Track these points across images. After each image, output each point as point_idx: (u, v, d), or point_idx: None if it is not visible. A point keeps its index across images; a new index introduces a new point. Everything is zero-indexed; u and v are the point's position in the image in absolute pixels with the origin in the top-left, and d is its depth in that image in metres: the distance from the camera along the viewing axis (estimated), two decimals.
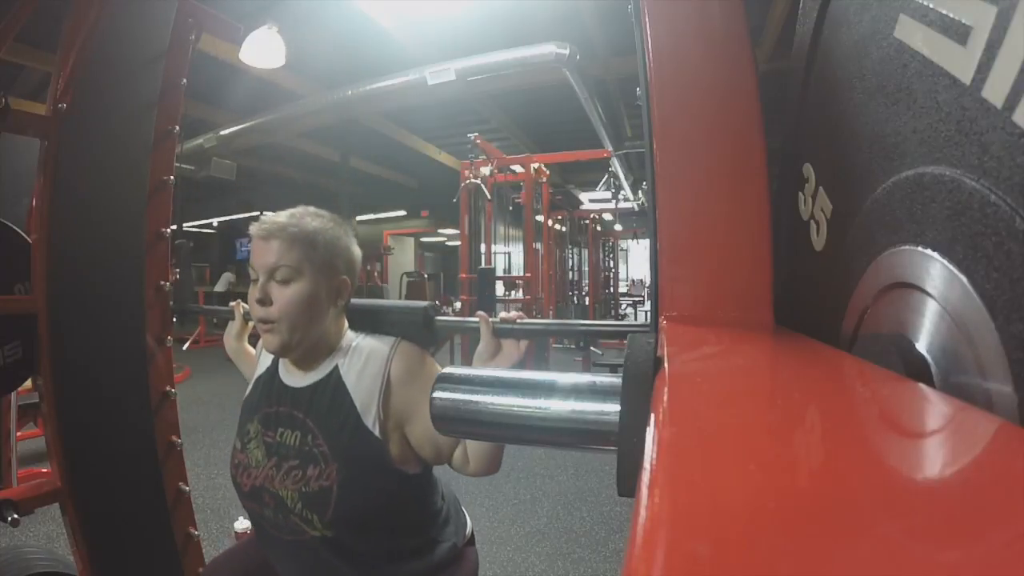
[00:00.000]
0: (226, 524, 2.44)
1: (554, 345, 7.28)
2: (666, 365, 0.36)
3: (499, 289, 6.05)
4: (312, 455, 0.84)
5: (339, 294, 0.90)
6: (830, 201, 0.63)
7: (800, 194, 0.72)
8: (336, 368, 0.89)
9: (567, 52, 3.86)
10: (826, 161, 0.66)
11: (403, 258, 14.66)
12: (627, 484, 0.37)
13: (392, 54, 4.64)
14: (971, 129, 0.37)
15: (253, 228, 0.87)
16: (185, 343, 7.89)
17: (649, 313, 0.65)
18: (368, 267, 10.77)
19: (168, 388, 1.23)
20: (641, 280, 16.99)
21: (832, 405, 0.32)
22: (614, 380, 0.43)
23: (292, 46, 3.76)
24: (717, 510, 0.17)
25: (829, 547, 0.15)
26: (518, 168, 6.23)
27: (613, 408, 0.42)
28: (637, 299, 14.48)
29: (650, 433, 0.25)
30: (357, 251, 0.94)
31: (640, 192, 9.29)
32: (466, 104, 6.34)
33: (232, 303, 1.21)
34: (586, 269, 11.27)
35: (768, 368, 0.43)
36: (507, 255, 7.44)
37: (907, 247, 0.45)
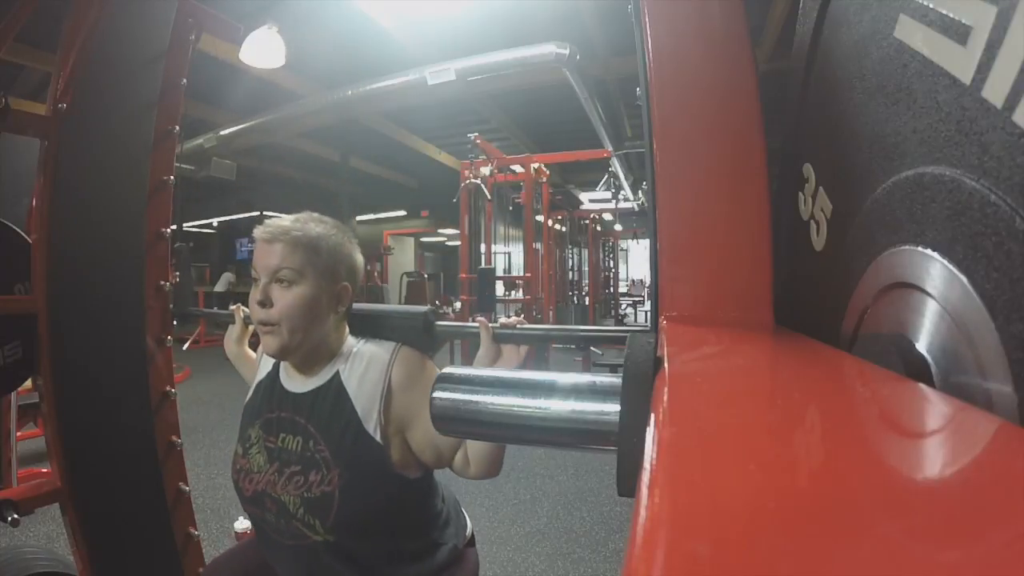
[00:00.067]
0: (226, 524, 2.44)
1: (554, 345, 7.27)
2: (666, 365, 0.36)
3: (499, 289, 6.05)
4: (314, 460, 0.84)
5: (340, 300, 0.90)
6: (830, 201, 0.63)
7: (800, 194, 0.72)
8: (337, 374, 0.89)
9: (567, 52, 3.86)
10: (826, 161, 0.66)
11: (403, 258, 14.67)
12: (627, 484, 0.37)
13: (392, 54, 4.64)
14: (971, 129, 0.37)
15: (257, 231, 0.87)
16: (185, 343, 7.88)
17: (649, 313, 0.65)
18: (368, 267, 10.76)
19: (168, 388, 1.23)
20: (641, 280, 16.99)
21: (832, 405, 0.32)
22: (614, 380, 0.43)
23: (292, 46, 3.76)
24: (717, 510, 0.17)
25: (829, 547, 0.15)
26: (518, 168, 6.23)
27: (613, 408, 0.42)
28: (637, 299, 14.48)
29: (650, 433, 0.25)
30: (359, 259, 0.95)
31: (640, 192, 9.29)
32: (466, 104, 6.35)
33: (232, 307, 1.21)
34: (586, 269, 11.28)
35: (768, 368, 0.43)
36: (507, 255, 7.44)
37: (907, 247, 0.45)
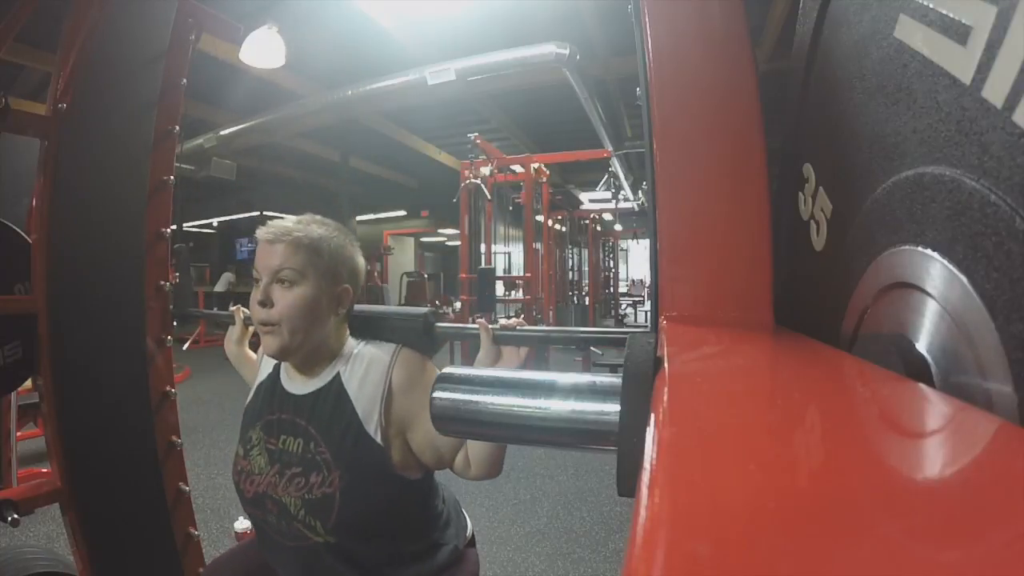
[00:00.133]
0: (226, 524, 2.44)
1: (554, 345, 7.26)
2: (666, 365, 0.36)
3: (499, 289, 6.06)
4: (315, 462, 0.85)
5: (340, 302, 0.90)
6: (830, 201, 0.63)
7: (800, 194, 0.72)
8: (338, 375, 0.89)
9: (567, 52, 3.86)
10: (826, 161, 0.66)
11: (403, 258, 14.67)
12: (627, 484, 0.37)
13: (392, 54, 4.64)
14: (971, 129, 0.37)
15: (260, 231, 0.87)
16: (185, 343, 7.88)
17: (649, 313, 0.65)
18: (368, 267, 10.71)
19: (168, 388, 1.23)
20: (641, 280, 16.99)
21: (832, 405, 0.32)
22: (614, 380, 0.43)
23: (292, 46, 3.76)
24: (717, 510, 0.17)
25: (829, 547, 0.15)
26: (518, 168, 6.24)
27: (613, 408, 0.42)
28: (637, 299, 14.48)
29: (650, 433, 0.25)
30: (361, 261, 0.95)
31: (640, 192, 9.29)
32: (466, 104, 6.35)
33: (232, 308, 1.21)
34: (586, 269, 11.28)
35: (768, 368, 0.43)
36: (507, 255, 7.44)
37: (907, 247, 0.45)
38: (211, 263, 12.82)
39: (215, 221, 13.00)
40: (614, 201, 7.79)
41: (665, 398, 0.30)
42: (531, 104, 6.64)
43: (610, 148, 6.19)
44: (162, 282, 1.23)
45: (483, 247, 6.01)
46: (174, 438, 1.24)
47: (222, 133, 6.23)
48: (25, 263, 1.06)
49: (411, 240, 15.53)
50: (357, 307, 0.97)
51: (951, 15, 0.38)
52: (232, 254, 12.85)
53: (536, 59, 3.93)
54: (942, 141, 0.40)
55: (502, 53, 4.07)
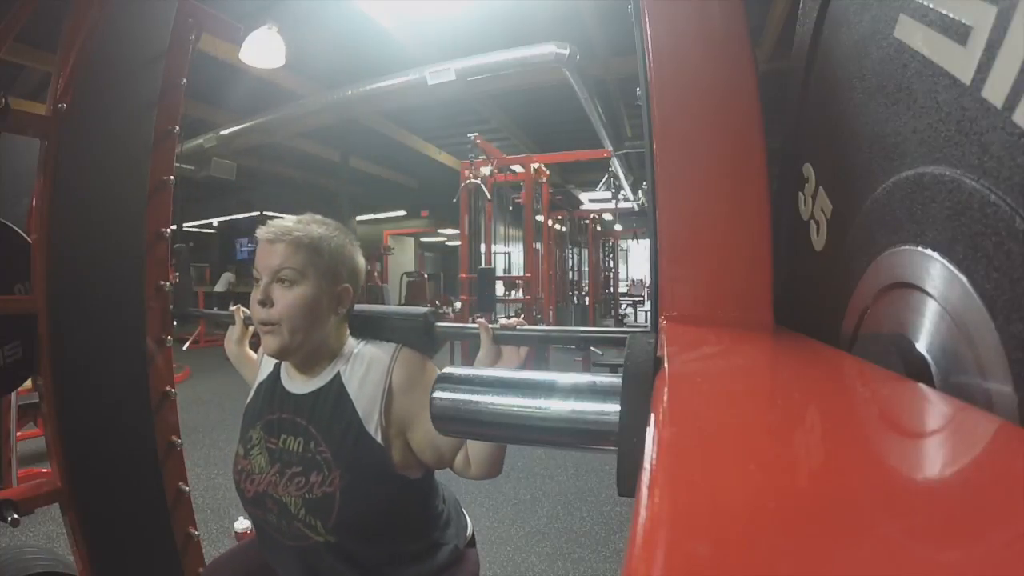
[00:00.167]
0: (226, 524, 2.44)
1: (554, 345, 7.26)
2: (666, 365, 0.36)
3: (499, 289, 6.05)
4: (315, 462, 0.85)
5: (341, 302, 0.90)
6: (830, 201, 0.63)
7: (800, 194, 0.72)
8: (338, 375, 0.89)
9: (567, 52, 3.86)
10: (826, 161, 0.66)
11: (403, 258, 14.67)
12: (627, 484, 0.37)
13: (392, 54, 4.64)
14: (971, 129, 0.37)
15: (260, 231, 0.88)
16: (185, 343, 7.89)
17: (649, 313, 0.65)
18: (368, 267, 10.71)
19: (168, 388, 1.23)
20: (641, 280, 16.99)
21: (832, 405, 0.32)
22: (614, 380, 0.43)
23: (292, 46, 3.76)
24: (717, 510, 0.17)
25: (829, 547, 0.15)
26: (518, 168, 6.23)
27: (613, 408, 0.42)
28: (637, 299, 14.49)
29: (650, 433, 0.25)
30: (361, 261, 0.95)
31: (640, 192, 9.29)
32: (466, 104, 6.35)
33: (232, 307, 1.21)
34: (586, 269, 11.28)
35: (768, 368, 0.43)
36: (507, 255, 7.44)
37: (907, 247, 0.45)
38: (211, 263, 12.82)
39: (215, 221, 13.00)
40: (614, 201, 7.79)
41: (665, 398, 0.30)
42: (531, 104, 6.64)
43: (610, 148, 6.19)
44: (162, 282, 1.23)
45: (483, 247, 6.01)
46: (174, 438, 1.24)
47: (222, 133, 6.23)
48: (25, 263, 1.06)
49: (411, 240, 15.53)
50: (357, 307, 0.97)
51: (951, 15, 0.38)
52: (232, 254, 12.85)
53: (536, 59, 3.93)
54: (942, 141, 0.40)
55: (502, 53, 4.07)
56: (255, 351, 1.11)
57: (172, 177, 1.24)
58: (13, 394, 1.82)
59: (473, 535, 1.07)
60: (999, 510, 0.18)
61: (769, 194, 0.54)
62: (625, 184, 8.22)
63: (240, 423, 0.98)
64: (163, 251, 1.23)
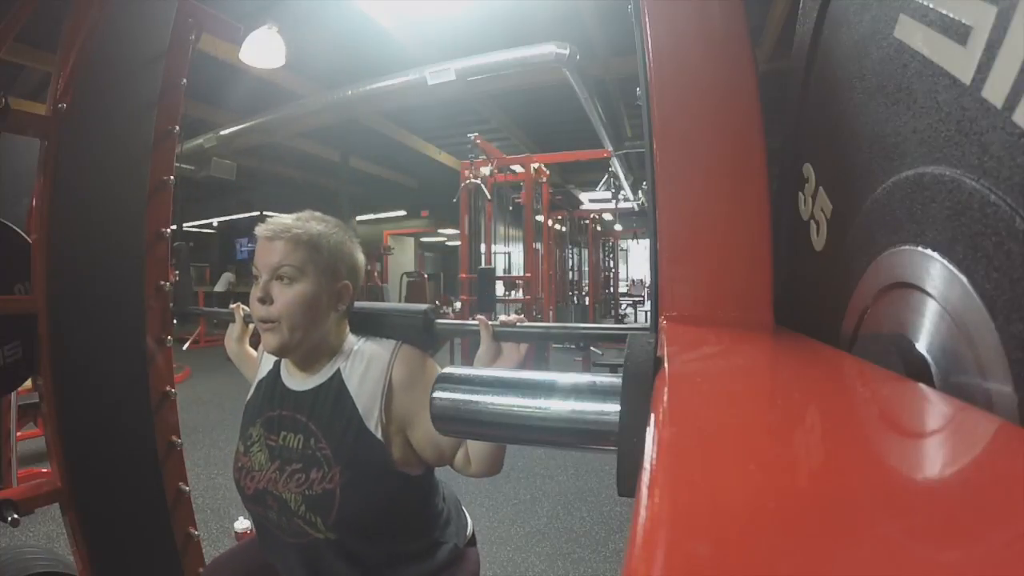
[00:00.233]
0: (226, 524, 2.44)
1: (554, 345, 7.28)
2: (666, 365, 0.36)
3: (499, 289, 6.05)
4: (315, 458, 0.85)
5: (340, 298, 0.90)
6: (830, 201, 0.63)
7: (800, 194, 0.72)
8: (338, 372, 0.89)
9: (567, 52, 3.86)
10: (826, 161, 0.66)
11: (403, 258, 14.66)
12: (627, 484, 0.37)
13: (392, 54, 4.64)
14: (971, 129, 0.37)
15: (259, 229, 0.87)
16: (185, 343, 7.89)
17: (649, 313, 0.65)
18: (368, 267, 10.72)
19: (168, 388, 1.23)
20: (641, 280, 16.99)
21: (832, 405, 0.32)
22: (614, 380, 0.43)
23: (292, 46, 3.76)
24: (717, 510, 0.17)
25: (829, 547, 0.15)
26: (518, 168, 6.23)
27: (613, 408, 0.42)
28: (637, 299, 14.48)
29: (650, 433, 0.25)
30: (360, 258, 0.95)
31: (640, 192, 9.29)
32: (466, 104, 6.35)
33: (232, 305, 1.21)
34: (586, 269, 11.28)
35: (768, 368, 0.43)
36: (507, 255, 7.44)
37: (907, 247, 0.45)
38: (211, 263, 12.82)
39: (215, 221, 13.00)
40: (614, 201, 7.79)
41: (665, 398, 0.30)
42: (531, 104, 6.64)
43: (610, 148, 6.19)
44: (162, 282, 1.23)
45: (483, 247, 6.01)
46: (174, 438, 1.24)
47: (222, 133, 6.23)
48: (25, 263, 1.06)
49: (411, 240, 15.53)
50: (357, 304, 0.97)
51: (951, 15, 0.38)
52: (232, 254, 12.85)
53: (536, 59, 3.93)
54: (942, 141, 0.40)
55: (502, 53, 4.06)
56: (256, 349, 1.11)
57: (172, 177, 1.24)
58: (13, 394, 1.82)
59: (474, 534, 1.07)
60: (999, 510, 0.18)
61: (769, 194, 0.54)
62: (625, 184, 8.22)
63: (240, 422, 0.98)
64: (163, 251, 1.23)
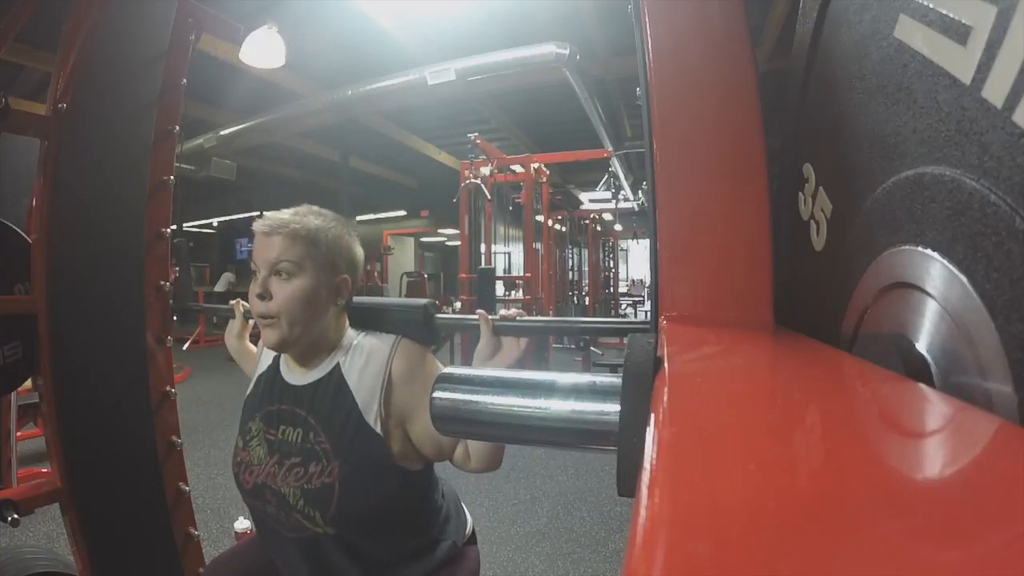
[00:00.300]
0: (226, 524, 2.44)
1: (554, 345, 7.29)
2: (666, 365, 0.36)
3: (499, 289, 6.06)
4: (314, 452, 0.85)
5: (339, 292, 0.90)
6: (830, 201, 0.63)
7: (800, 194, 0.72)
8: (338, 366, 0.89)
9: (567, 52, 3.86)
10: (826, 161, 0.66)
11: (403, 258, 14.66)
12: (627, 484, 0.37)
13: (392, 54, 4.64)
14: (971, 129, 0.37)
15: (256, 224, 0.87)
16: (185, 343, 7.89)
17: (649, 313, 0.65)
18: (368, 267, 10.78)
19: (168, 388, 1.23)
20: (641, 280, 16.99)
21: (832, 405, 0.32)
22: (614, 380, 0.43)
23: (292, 46, 3.76)
24: (717, 510, 0.17)
25: (829, 547, 0.15)
26: (518, 168, 6.23)
27: (613, 408, 0.42)
28: (637, 299, 14.48)
29: (650, 433, 0.25)
30: (359, 251, 0.95)
31: (640, 192, 9.29)
32: (466, 104, 6.34)
33: (232, 301, 1.21)
34: (586, 269, 11.28)
35: (768, 368, 0.43)
36: (507, 255, 7.44)
37: (907, 247, 0.45)
38: (211, 263, 12.83)
39: (215, 221, 12.99)
40: (614, 201, 7.79)
41: (665, 398, 0.30)
42: (531, 104, 6.63)
43: (610, 148, 6.19)
44: (162, 282, 1.23)
45: (483, 247, 6.01)
46: (174, 438, 1.24)
47: (222, 133, 6.23)
48: (25, 263, 1.06)
49: (411, 240, 15.52)
50: (356, 299, 0.97)
51: (951, 15, 0.38)
52: (232, 254, 12.86)
53: (536, 59, 3.93)
54: (942, 141, 0.40)
55: (502, 53, 4.06)
56: (256, 345, 1.11)
57: (172, 177, 1.24)
58: (13, 394, 1.82)
59: (474, 532, 1.07)
60: (999, 510, 0.18)
61: (769, 194, 0.54)
62: (625, 184, 8.22)
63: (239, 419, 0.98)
64: (163, 251, 1.23)
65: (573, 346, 7.29)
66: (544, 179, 6.49)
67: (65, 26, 1.06)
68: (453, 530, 0.98)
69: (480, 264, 5.69)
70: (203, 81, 5.09)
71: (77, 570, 1.12)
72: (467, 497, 1.09)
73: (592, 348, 6.18)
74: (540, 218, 7.08)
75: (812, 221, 0.68)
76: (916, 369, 0.43)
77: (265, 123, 5.81)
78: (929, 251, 0.42)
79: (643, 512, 0.17)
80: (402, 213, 12.87)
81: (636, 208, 9.84)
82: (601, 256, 12.41)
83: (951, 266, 0.40)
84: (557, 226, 9.51)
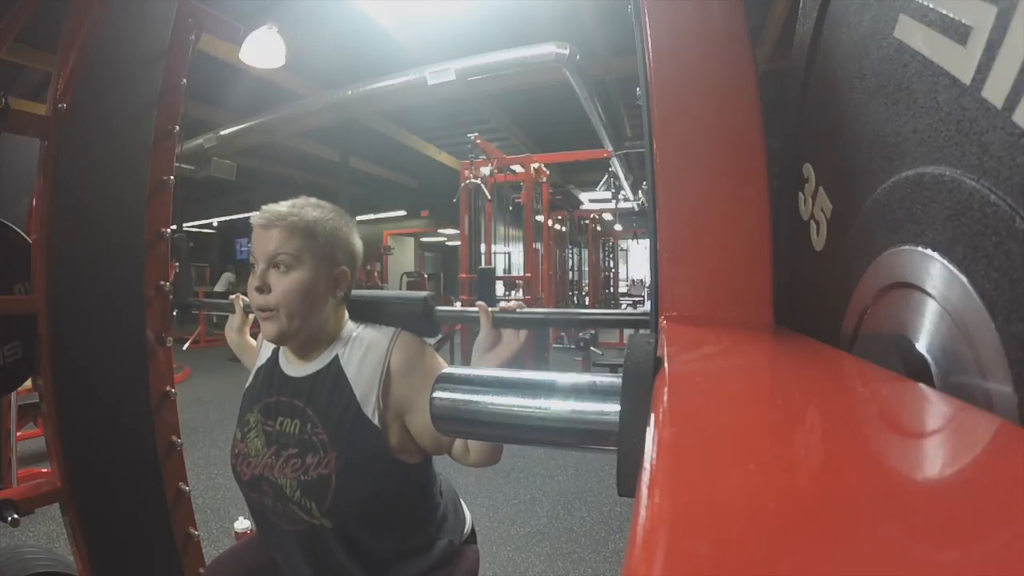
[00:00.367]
0: (226, 524, 2.45)
1: (554, 345, 7.29)
2: (666, 365, 0.36)
3: (499, 289, 6.06)
4: (311, 443, 0.85)
5: (338, 284, 0.90)
6: (830, 201, 0.63)
7: (800, 194, 0.72)
8: (336, 358, 0.89)
9: (567, 52, 3.86)
10: (826, 161, 0.66)
11: (403, 258, 14.67)
12: (627, 484, 0.37)
13: (392, 54, 4.64)
14: (971, 129, 0.37)
15: (254, 217, 0.87)
16: (185, 343, 7.89)
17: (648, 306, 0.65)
18: (368, 267, 10.79)
19: (168, 388, 1.23)
20: (641, 280, 17.00)
21: (832, 405, 0.32)
22: (614, 380, 0.43)
23: (292, 46, 3.76)
24: (717, 510, 0.17)
25: (829, 547, 0.15)
26: (518, 168, 6.24)
27: (613, 408, 0.42)
28: (637, 299, 14.48)
29: (650, 433, 0.25)
30: (358, 243, 0.95)
31: (640, 192, 9.29)
32: (466, 104, 6.34)
33: (232, 296, 1.22)
34: (586, 269, 11.28)
35: (768, 368, 0.43)
36: (507, 255, 7.45)
37: (907, 247, 0.45)
38: (211, 263, 12.83)
39: (215, 221, 12.99)
40: (614, 201, 7.79)
41: (665, 398, 0.29)
42: (531, 104, 6.64)
43: (610, 148, 6.19)
44: (162, 282, 1.23)
45: (483, 247, 6.01)
46: (174, 438, 1.24)
47: (222, 133, 6.23)
48: (25, 263, 1.06)
49: (411, 240, 15.53)
50: (356, 292, 0.97)
51: (951, 15, 0.38)
52: (232, 254, 12.86)
53: (536, 59, 3.93)
54: (942, 141, 0.40)
55: (502, 53, 4.06)
56: (257, 339, 1.11)
57: (172, 177, 1.24)
58: (13, 394, 1.82)
59: (473, 531, 1.06)
60: (999, 510, 0.18)
61: (769, 194, 0.54)
62: (625, 184, 8.22)
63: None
64: (163, 251, 1.23)
65: (573, 346, 7.30)
66: (544, 179, 6.50)
67: (65, 26, 1.06)
68: (451, 528, 0.98)
69: (480, 264, 5.70)
70: (203, 81, 5.10)
71: (77, 570, 1.12)
72: (467, 497, 1.09)
73: (592, 348, 6.18)
74: (540, 218, 7.08)
75: (812, 221, 0.68)
76: (916, 369, 0.42)
77: (265, 123, 5.82)
78: (929, 251, 0.42)
79: (643, 512, 0.17)
80: (402, 213, 12.88)
81: (636, 208, 9.84)
82: (601, 256, 12.42)
83: (951, 266, 0.40)
84: (557, 226, 9.51)
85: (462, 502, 1.08)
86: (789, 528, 0.16)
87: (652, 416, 0.28)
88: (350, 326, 0.93)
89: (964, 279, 0.38)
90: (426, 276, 12.43)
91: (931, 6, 0.41)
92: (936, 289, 0.41)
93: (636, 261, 18.40)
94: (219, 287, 10.79)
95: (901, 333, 0.45)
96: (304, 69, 5.20)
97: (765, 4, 4.11)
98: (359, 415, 0.85)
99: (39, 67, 4.39)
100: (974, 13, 0.36)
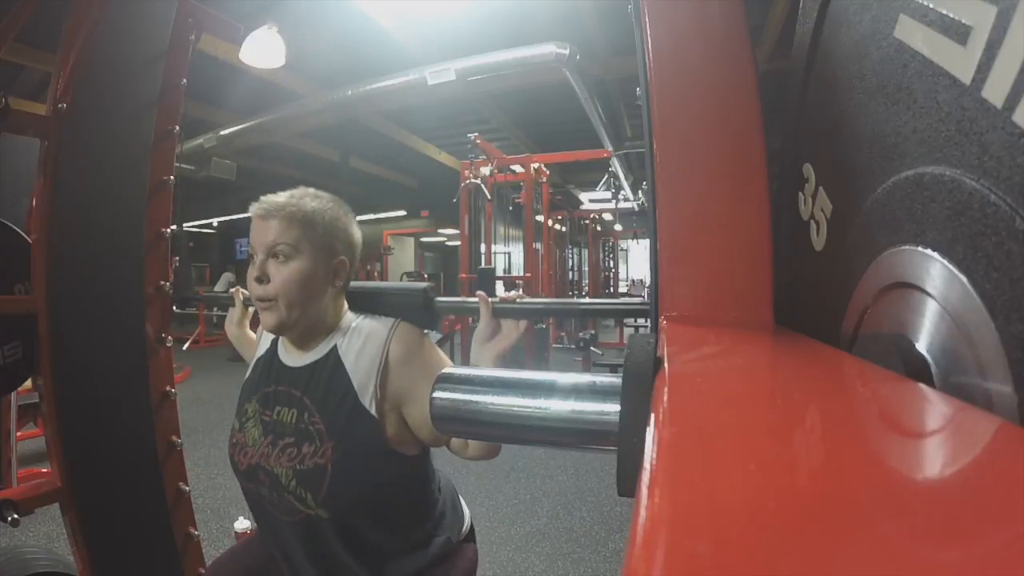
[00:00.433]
0: (226, 524, 2.45)
1: (554, 345, 7.29)
2: (666, 365, 0.36)
3: (499, 289, 6.06)
4: (308, 433, 0.85)
5: (337, 274, 0.90)
6: (830, 201, 0.63)
7: (800, 194, 0.72)
8: (335, 348, 0.89)
9: (567, 52, 3.86)
10: (826, 161, 0.66)
11: (403, 258, 14.67)
12: (627, 484, 0.37)
13: (392, 54, 4.64)
14: (971, 129, 0.37)
15: (252, 208, 0.87)
16: (185, 343, 7.89)
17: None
18: (368, 267, 10.79)
19: (168, 388, 1.23)
20: (641, 280, 17.00)
21: (832, 405, 0.32)
22: (614, 380, 0.43)
23: (292, 46, 3.76)
24: (717, 510, 0.17)
25: (829, 547, 0.15)
26: (518, 168, 6.24)
27: (613, 408, 0.42)
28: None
29: (650, 433, 0.25)
30: (357, 233, 0.95)
31: (640, 192, 9.29)
32: (466, 104, 6.34)
33: (231, 289, 1.22)
34: (586, 269, 11.28)
35: (768, 368, 0.43)
36: (507, 255, 7.44)
37: (907, 247, 0.45)
38: (211, 263, 12.83)
39: (215, 221, 12.99)
40: (614, 201, 7.79)
41: (665, 398, 0.29)
42: (531, 104, 6.63)
43: (610, 148, 6.19)
44: (162, 282, 1.23)
45: (483, 247, 6.02)
46: (174, 438, 1.24)
47: (222, 133, 6.23)
48: (25, 263, 1.06)
49: (411, 240, 15.52)
50: (355, 283, 0.97)
51: (951, 15, 0.38)
52: (232, 254, 12.86)
53: (536, 59, 3.93)
54: (942, 141, 0.40)
55: (502, 53, 4.06)
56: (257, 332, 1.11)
57: (172, 177, 1.24)
58: (13, 394, 1.82)
59: (472, 529, 1.06)
60: (999, 510, 0.18)
61: (769, 194, 0.54)
62: (625, 184, 8.22)
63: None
64: (163, 251, 1.23)
65: (573, 346, 7.29)
66: (544, 179, 6.50)
67: (65, 26, 1.06)
68: (449, 525, 0.98)
69: (480, 264, 5.70)
70: (203, 81, 5.10)
71: (77, 570, 1.12)
72: (467, 496, 1.09)
73: (592, 348, 6.18)
74: (540, 218, 7.08)
75: (812, 221, 0.68)
76: (916, 369, 0.42)
77: (265, 123, 5.82)
78: (929, 251, 0.42)
79: (643, 512, 0.17)
80: (402, 213, 12.87)
81: (636, 208, 9.84)
82: (601, 256, 12.42)
83: (951, 266, 0.40)
84: (557, 226, 9.52)
85: (461, 500, 1.08)
86: (789, 528, 0.16)
87: (652, 416, 0.28)
88: (349, 316, 0.93)
89: (964, 279, 0.38)
90: (426, 276, 12.43)
91: (931, 6, 0.41)
92: (936, 289, 0.41)
93: (636, 261, 18.40)
94: (219, 287, 10.76)
95: (901, 333, 0.45)
96: (304, 69, 5.20)
97: (765, 4, 4.11)
98: (356, 405, 0.85)
99: (39, 67, 4.39)
100: (974, 13, 0.36)
